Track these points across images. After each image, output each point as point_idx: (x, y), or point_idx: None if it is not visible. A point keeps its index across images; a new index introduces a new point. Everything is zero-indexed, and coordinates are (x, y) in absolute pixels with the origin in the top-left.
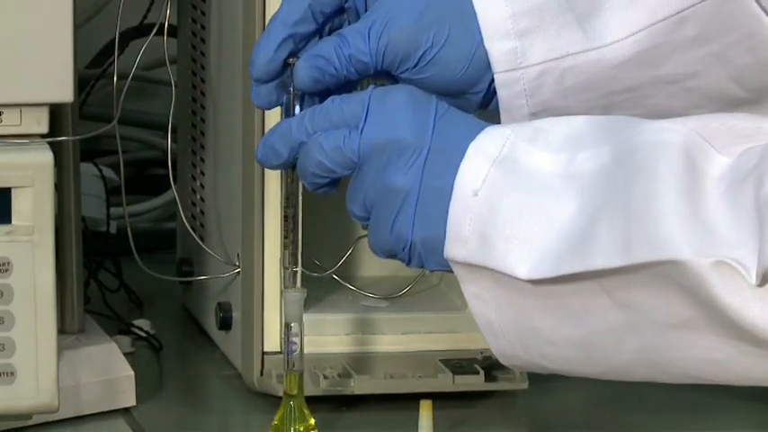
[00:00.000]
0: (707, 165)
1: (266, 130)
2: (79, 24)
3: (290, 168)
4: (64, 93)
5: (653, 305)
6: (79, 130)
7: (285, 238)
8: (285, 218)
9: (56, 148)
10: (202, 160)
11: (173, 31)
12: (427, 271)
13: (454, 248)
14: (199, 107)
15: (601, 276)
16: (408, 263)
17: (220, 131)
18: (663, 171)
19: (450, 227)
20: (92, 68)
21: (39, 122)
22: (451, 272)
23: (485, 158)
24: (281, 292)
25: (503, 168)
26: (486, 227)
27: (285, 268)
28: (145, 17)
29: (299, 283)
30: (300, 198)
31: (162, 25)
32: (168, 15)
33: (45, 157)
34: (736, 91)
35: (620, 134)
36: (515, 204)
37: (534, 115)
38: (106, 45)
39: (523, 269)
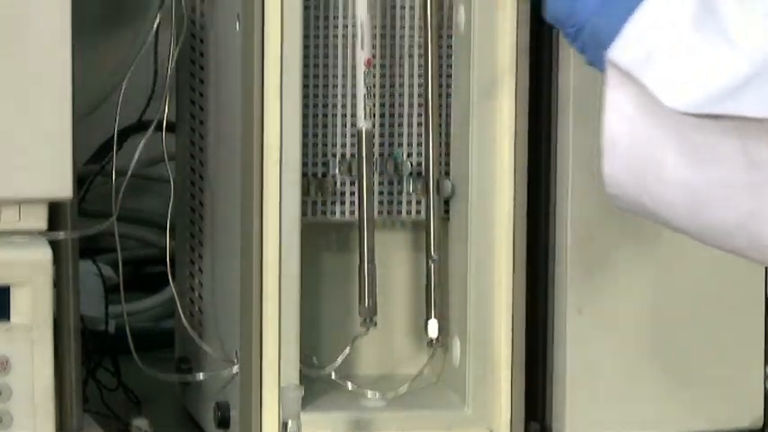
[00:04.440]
0: None
1: (264, 231)
2: (78, 121)
3: None
4: (63, 189)
5: None
6: (78, 227)
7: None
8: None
9: (55, 245)
10: (200, 257)
11: (171, 128)
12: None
13: (620, 51)
14: (197, 204)
15: (744, 129)
16: (570, 40)
17: (218, 228)
18: None
19: (626, 30)
20: (91, 165)
21: (37, 219)
22: (601, 71)
23: None
24: (279, 390)
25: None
26: (656, 47)
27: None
28: (143, 113)
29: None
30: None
31: (160, 121)
32: (167, 111)
33: (44, 254)
34: None
35: None
36: (692, 38)
37: None
38: (105, 142)
39: (673, 97)
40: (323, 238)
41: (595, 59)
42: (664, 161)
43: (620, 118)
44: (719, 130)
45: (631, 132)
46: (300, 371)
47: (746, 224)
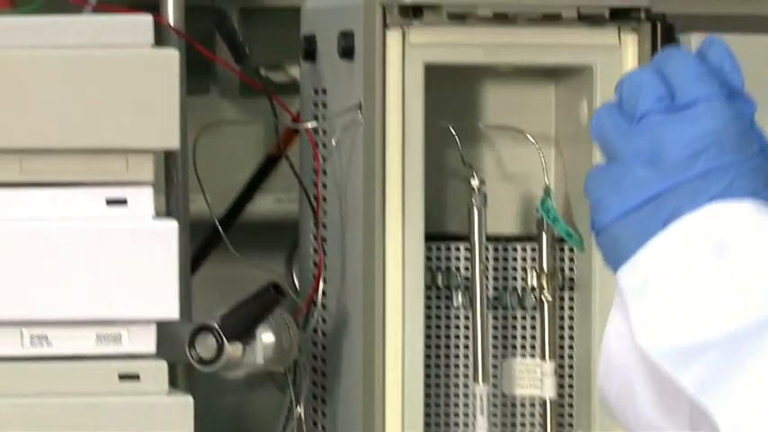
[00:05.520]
0: None
1: None
2: None
3: None
4: None
5: None
6: None
7: None
8: None
9: None
10: None
11: None
12: None
13: (626, 274)
14: None
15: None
16: (592, 224)
17: None
18: None
19: (638, 254)
20: None
21: None
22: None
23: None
24: None
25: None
26: (656, 279)
27: None
28: None
29: None
30: None
31: None
32: None
33: None
34: None
35: None
36: (695, 282)
37: None
38: None
39: (647, 336)
40: None
41: (610, 263)
42: (637, 392)
43: (615, 336)
44: (675, 387)
45: (620, 353)
46: None
47: None
